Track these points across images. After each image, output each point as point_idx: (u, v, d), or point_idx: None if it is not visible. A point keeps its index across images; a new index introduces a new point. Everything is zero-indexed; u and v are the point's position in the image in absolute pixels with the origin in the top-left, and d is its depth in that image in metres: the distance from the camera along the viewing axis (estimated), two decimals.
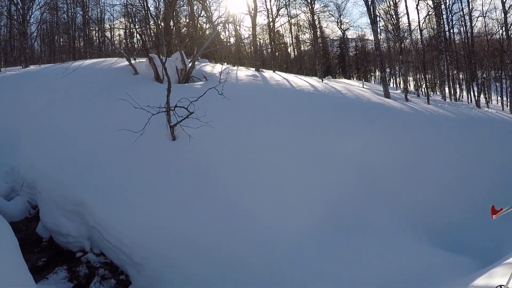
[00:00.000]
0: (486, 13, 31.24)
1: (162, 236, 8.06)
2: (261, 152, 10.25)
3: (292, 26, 43.61)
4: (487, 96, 32.47)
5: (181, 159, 9.95)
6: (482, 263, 7.25)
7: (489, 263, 6.60)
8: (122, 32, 41.37)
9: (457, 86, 36.49)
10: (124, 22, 34.75)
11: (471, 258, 7.85)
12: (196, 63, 16.79)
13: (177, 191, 9.00)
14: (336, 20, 43.98)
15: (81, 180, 9.49)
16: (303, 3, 35.61)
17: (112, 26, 39.76)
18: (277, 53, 44.23)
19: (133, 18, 33.36)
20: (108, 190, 9.12)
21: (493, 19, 32.42)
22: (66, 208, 9.24)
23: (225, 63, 29.28)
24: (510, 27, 26.70)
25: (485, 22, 32.60)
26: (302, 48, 50.94)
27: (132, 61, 16.00)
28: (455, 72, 36.12)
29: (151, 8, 28.24)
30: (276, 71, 24.42)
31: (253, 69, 22.39)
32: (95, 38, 41.90)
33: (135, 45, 37.35)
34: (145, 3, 18.76)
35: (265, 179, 9.50)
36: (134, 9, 29.01)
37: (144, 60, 15.98)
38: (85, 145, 10.77)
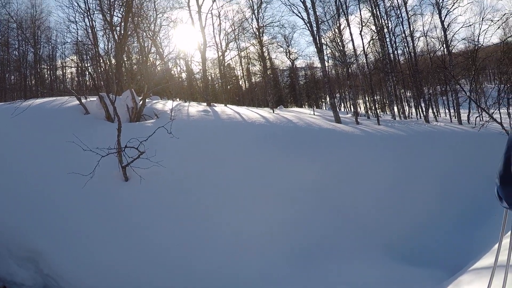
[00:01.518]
0: (427, 32, 32.67)
1: (120, 281, 8.06)
2: (214, 188, 10.47)
3: (242, 58, 44.55)
4: (435, 110, 33.75)
5: (135, 199, 9.97)
6: (449, 272, 7.66)
7: (455, 271, 7.00)
8: (74, 69, 40.99)
9: (405, 104, 37.81)
10: (76, 60, 34.53)
11: (441, 271, 8.26)
12: (147, 100, 16.90)
13: (134, 232, 9.04)
14: (284, 50, 45.04)
15: (34, 226, 9.30)
16: (252, 36, 36.44)
17: (64, 64, 39.34)
18: (228, 86, 44.74)
19: (84, 56, 33.20)
20: (62, 235, 8.99)
21: (433, 38, 33.97)
22: (20, 255, 8.95)
23: (177, 99, 29.45)
24: (450, 43, 28.25)
25: (426, 41, 34.08)
26: (253, 80, 51.78)
27: (83, 100, 15.92)
28: (402, 91, 37.46)
29: (101, 45, 28.27)
30: (227, 105, 24.76)
31: (205, 104, 22.68)
32: (46, 75, 41.27)
33: (87, 83, 37.07)
34: (94, 40, 18.80)
35: (220, 214, 9.74)
36: (85, 46, 28.97)
37: (95, 99, 15.95)
38: (35, 189, 10.48)
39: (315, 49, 24.16)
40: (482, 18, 28.37)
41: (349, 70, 29.88)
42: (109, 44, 25.21)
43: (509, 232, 5.34)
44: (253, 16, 34.10)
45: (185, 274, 8.25)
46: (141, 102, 15.23)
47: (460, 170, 13.46)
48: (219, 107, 20.69)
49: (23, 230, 9.28)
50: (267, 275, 8.35)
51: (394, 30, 32.93)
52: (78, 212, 9.62)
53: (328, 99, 44.89)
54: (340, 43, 29.31)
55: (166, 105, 17.96)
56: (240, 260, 8.67)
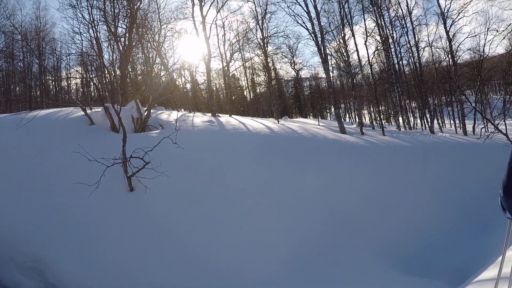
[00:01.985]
0: (432, 43, 32.57)
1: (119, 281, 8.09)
2: (219, 199, 10.46)
3: (247, 69, 44.43)
4: (440, 121, 33.57)
5: (139, 209, 9.96)
6: (454, 284, 7.56)
7: (460, 283, 6.89)
8: (79, 80, 41.23)
9: (410, 114, 37.63)
10: (80, 71, 34.75)
11: (443, 281, 8.21)
12: (152, 111, 16.93)
13: (138, 241, 9.02)
14: (289, 61, 44.96)
15: (39, 233, 9.31)
16: (256, 46, 36.54)
17: (69, 75, 39.61)
18: (233, 97, 44.80)
19: (89, 67, 33.42)
20: (68, 244, 8.97)
21: (438, 48, 33.84)
22: (25, 266, 8.97)
23: (182, 109, 29.51)
24: (455, 53, 28.09)
25: (431, 51, 34.01)
26: (258, 90, 51.87)
27: (88, 111, 15.94)
28: (407, 101, 37.33)
29: (106, 57, 28.45)
30: (232, 115, 24.79)
31: (210, 114, 22.72)
32: (51, 87, 41.51)
33: (92, 94, 37.30)
34: (99, 51, 18.91)
35: (224, 225, 9.70)
36: (89, 57, 29.16)
37: (100, 109, 15.96)
38: (41, 198, 10.47)
39: (320, 60, 24.28)
40: (488, 28, 28.46)
41: (354, 81, 29.92)
42: (114, 55, 25.43)
43: None
44: (258, 26, 34.26)
45: (186, 274, 8.29)
46: (146, 113, 15.25)
47: (464, 180, 13.43)
48: (224, 118, 20.74)
49: (28, 237, 9.30)
50: (267, 279, 8.34)
51: (399, 40, 32.94)
52: (83, 220, 9.62)
53: (333, 109, 44.92)
54: (345, 53, 29.40)
55: (171, 115, 18.00)
56: (242, 264, 8.68)
